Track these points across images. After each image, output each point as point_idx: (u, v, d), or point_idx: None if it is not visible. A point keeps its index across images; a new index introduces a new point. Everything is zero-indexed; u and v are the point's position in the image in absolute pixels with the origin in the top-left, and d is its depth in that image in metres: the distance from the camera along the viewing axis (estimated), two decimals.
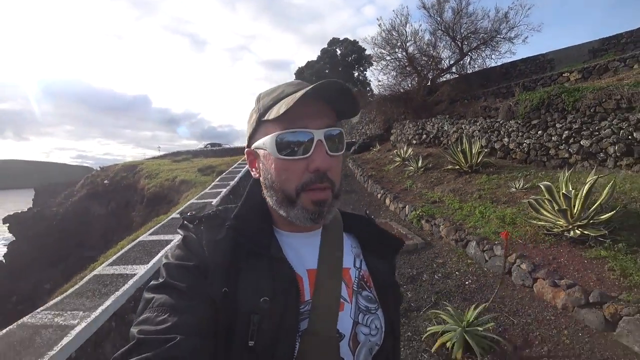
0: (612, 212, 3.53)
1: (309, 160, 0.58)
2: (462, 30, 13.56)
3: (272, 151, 0.59)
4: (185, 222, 0.64)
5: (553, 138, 6.55)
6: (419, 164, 8.32)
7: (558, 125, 6.52)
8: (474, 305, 2.94)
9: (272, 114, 0.58)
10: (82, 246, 17.03)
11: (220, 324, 0.53)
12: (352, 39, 24.07)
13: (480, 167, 6.94)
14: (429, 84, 14.20)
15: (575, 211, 3.69)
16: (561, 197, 3.82)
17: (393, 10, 16.51)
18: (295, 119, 0.57)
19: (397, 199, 7.04)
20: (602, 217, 3.55)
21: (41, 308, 2.78)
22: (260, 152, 0.62)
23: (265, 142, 0.60)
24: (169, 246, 4.28)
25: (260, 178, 0.65)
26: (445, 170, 7.55)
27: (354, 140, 17.56)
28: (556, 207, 3.81)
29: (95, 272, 3.57)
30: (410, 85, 14.52)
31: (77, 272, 5.87)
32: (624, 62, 9.05)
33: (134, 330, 0.49)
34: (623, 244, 3.30)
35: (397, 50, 14.74)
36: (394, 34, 14.27)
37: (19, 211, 25.46)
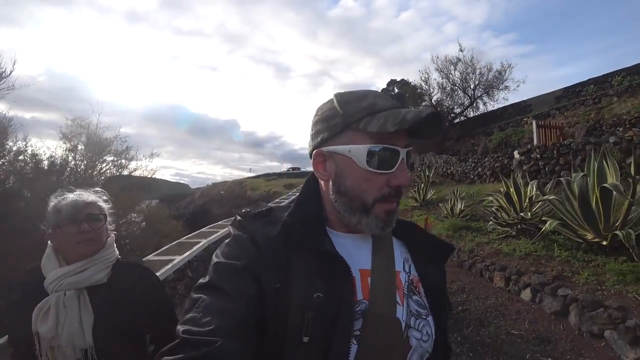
0: (431, 196, 9.36)
1: (392, 176, 0.62)
2: (474, 81, 18.83)
3: (360, 161, 0.61)
4: (240, 218, 0.68)
5: (468, 167, 11.94)
6: None
7: (470, 160, 11.92)
8: None
9: (374, 126, 0.60)
10: None
11: (272, 319, 0.56)
12: (407, 79, 30.05)
13: (431, 183, 12.59)
14: (447, 124, 19.56)
15: (418, 197, 9.54)
16: (418, 192, 9.71)
17: (419, 71, 22.51)
18: (387, 135, 0.60)
19: None
20: (427, 199, 9.38)
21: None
22: (340, 157, 0.64)
23: (354, 150, 0.62)
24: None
25: (329, 181, 0.66)
26: (416, 184, 13.31)
27: None
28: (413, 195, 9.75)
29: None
30: None
31: None
32: (558, 110, 13.51)
33: (180, 328, 0.52)
34: (432, 207, 9.07)
35: (425, 98, 20.60)
36: (422, 86, 20.25)
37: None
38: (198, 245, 5.78)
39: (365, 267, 0.65)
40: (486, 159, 11.11)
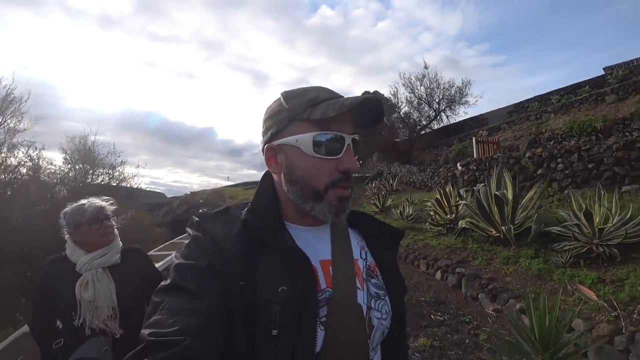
0: (390, 202, 10.73)
1: (339, 161, 0.65)
2: (439, 95, 20.65)
3: (307, 149, 0.64)
4: (197, 219, 0.68)
5: (427, 176, 13.46)
6: (374, 190, 15.54)
7: (428, 169, 13.44)
8: None
9: (317, 114, 0.63)
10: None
11: (239, 316, 0.58)
12: (379, 91, 31.88)
13: (395, 190, 14.01)
14: (414, 135, 21.24)
15: (379, 203, 10.90)
16: (378, 199, 11.07)
17: (389, 85, 24.31)
18: (331, 122, 0.64)
19: None
20: (386, 205, 10.75)
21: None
22: (288, 148, 0.67)
23: (300, 139, 0.65)
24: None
25: (281, 174, 0.69)
26: (380, 191, 14.71)
27: (370, 174, 24.86)
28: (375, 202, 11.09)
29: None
30: (402, 137, 21.78)
31: None
32: (508, 124, 15.30)
33: (144, 332, 0.52)
34: (390, 212, 10.42)
35: (395, 110, 22.24)
36: (391, 100, 21.89)
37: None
38: None
39: (326, 257, 0.69)
40: (441, 169, 12.62)
